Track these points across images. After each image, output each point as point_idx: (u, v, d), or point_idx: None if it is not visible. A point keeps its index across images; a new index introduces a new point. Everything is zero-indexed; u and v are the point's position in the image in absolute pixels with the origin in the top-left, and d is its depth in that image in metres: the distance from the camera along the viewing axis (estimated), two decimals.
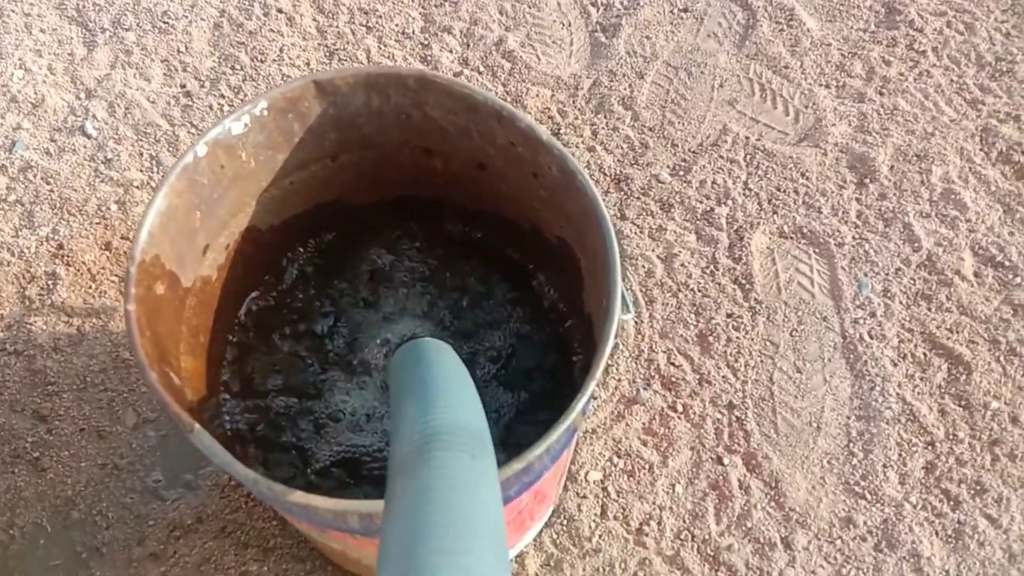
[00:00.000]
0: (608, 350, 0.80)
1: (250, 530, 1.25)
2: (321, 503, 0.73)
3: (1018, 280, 1.46)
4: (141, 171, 1.55)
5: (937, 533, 1.26)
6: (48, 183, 1.54)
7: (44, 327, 1.40)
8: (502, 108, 0.95)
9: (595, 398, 1.35)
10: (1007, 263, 1.47)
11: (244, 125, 0.94)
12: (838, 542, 1.26)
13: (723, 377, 1.38)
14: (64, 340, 1.39)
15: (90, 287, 1.43)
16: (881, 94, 1.67)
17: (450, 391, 0.72)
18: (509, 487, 0.83)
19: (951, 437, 1.33)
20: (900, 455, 1.32)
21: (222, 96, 1.64)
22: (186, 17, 1.75)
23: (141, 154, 1.57)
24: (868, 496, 1.29)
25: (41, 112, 1.62)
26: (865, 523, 1.27)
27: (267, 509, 1.27)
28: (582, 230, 0.92)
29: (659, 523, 1.27)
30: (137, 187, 1.53)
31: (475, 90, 0.96)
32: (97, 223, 1.50)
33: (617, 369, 1.38)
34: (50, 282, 1.44)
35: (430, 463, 0.62)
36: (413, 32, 1.73)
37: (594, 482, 1.30)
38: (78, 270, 1.45)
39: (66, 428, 1.32)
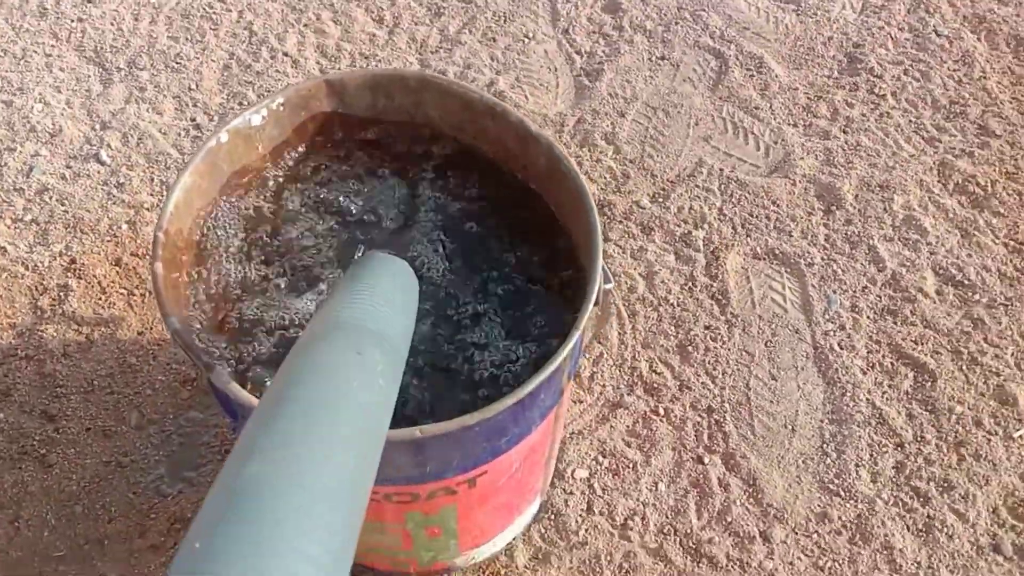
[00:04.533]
0: (592, 300, 0.88)
1: None
2: None
3: (977, 297, 1.55)
4: (151, 195, 1.64)
5: (908, 528, 1.32)
6: (63, 204, 1.62)
7: (55, 335, 1.46)
8: (495, 105, 1.05)
9: (580, 401, 1.42)
10: (966, 281, 1.57)
11: (262, 118, 1.04)
12: (814, 536, 1.31)
13: (702, 383, 1.45)
14: (74, 347, 1.45)
15: (100, 299, 1.50)
16: (845, 132, 1.79)
17: (367, 295, 0.72)
18: (503, 433, 0.90)
19: (919, 439, 1.40)
20: (871, 455, 1.38)
21: None
22: (197, 58, 1.87)
23: (152, 179, 1.67)
24: (842, 493, 1.35)
25: (58, 141, 1.72)
26: (840, 518, 1.33)
27: None
28: (571, 212, 1.01)
29: (643, 518, 1.32)
30: (147, 209, 1.62)
31: (471, 88, 1.06)
32: (108, 241, 1.58)
33: (602, 375, 1.45)
34: (62, 293, 1.51)
35: (308, 351, 0.63)
36: None
37: (580, 479, 1.35)
38: (89, 283, 1.52)
39: (73, 427, 1.37)
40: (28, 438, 1.36)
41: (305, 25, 1.94)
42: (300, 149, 1.09)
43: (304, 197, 1.06)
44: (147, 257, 1.56)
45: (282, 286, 0.98)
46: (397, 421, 0.89)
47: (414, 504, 0.98)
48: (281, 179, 1.07)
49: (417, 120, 1.11)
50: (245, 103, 1.79)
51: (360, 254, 0.99)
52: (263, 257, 1.01)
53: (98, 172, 1.67)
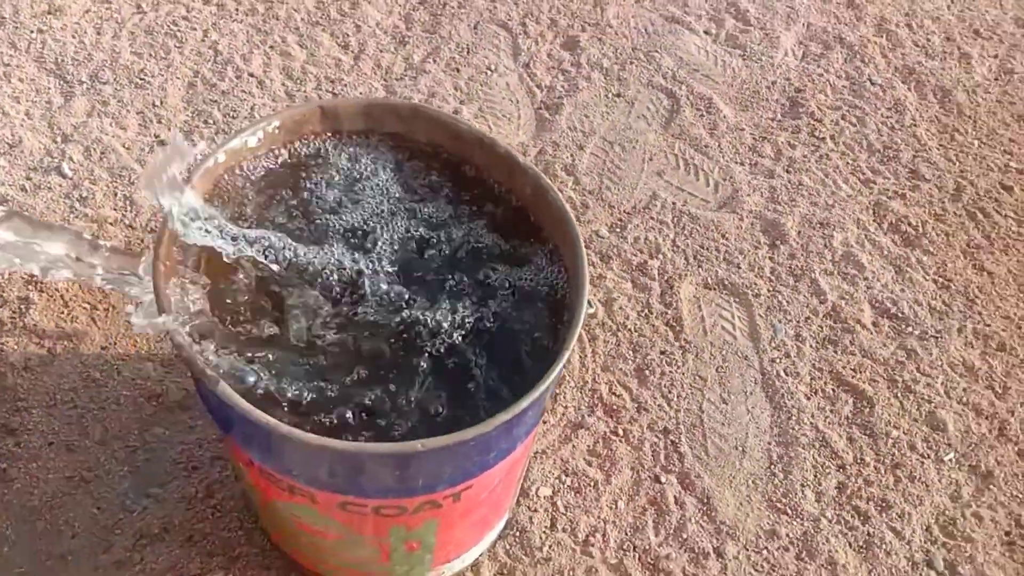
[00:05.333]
0: (579, 325, 0.94)
1: (215, 539, 1.30)
2: (339, 445, 0.83)
3: (910, 329, 1.67)
4: (115, 209, 1.64)
5: (851, 544, 1.41)
6: None
7: (15, 347, 1.45)
8: (483, 136, 1.11)
9: (544, 421, 1.47)
10: (900, 315, 1.69)
11: (258, 139, 1.07)
12: (764, 552, 1.38)
13: (659, 406, 1.52)
14: (35, 360, 1.44)
15: (62, 312, 1.49)
16: (788, 171, 1.91)
17: None
18: (492, 448, 0.94)
19: (859, 461, 1.49)
20: (816, 476, 1.47)
21: (195, 146, 1.75)
22: (162, 75, 1.87)
23: (115, 194, 1.66)
24: (789, 511, 1.43)
25: (17, 152, 1.70)
26: (787, 535, 1.40)
27: (234, 519, 1.32)
28: (558, 239, 1.06)
29: (603, 535, 1.38)
30: (111, 224, 1.61)
31: (460, 120, 1.11)
32: None
33: (564, 397, 1.51)
34: (22, 306, 1.49)
35: None
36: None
37: (544, 497, 1.40)
38: (51, 296, 1.51)
39: (35, 441, 1.36)
40: None
41: (271, 47, 1.96)
42: (290, 163, 1.12)
43: (287, 206, 1.09)
44: None
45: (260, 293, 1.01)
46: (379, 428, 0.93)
47: (400, 517, 1.01)
48: (269, 189, 1.10)
49: (407, 149, 1.15)
50: (211, 122, 1.80)
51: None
52: (243, 270, 1.03)
53: (60, 185, 1.66)
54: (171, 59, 1.90)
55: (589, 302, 1.04)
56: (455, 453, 0.89)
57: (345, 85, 1.91)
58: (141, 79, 1.86)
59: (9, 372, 1.42)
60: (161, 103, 1.82)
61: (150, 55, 1.91)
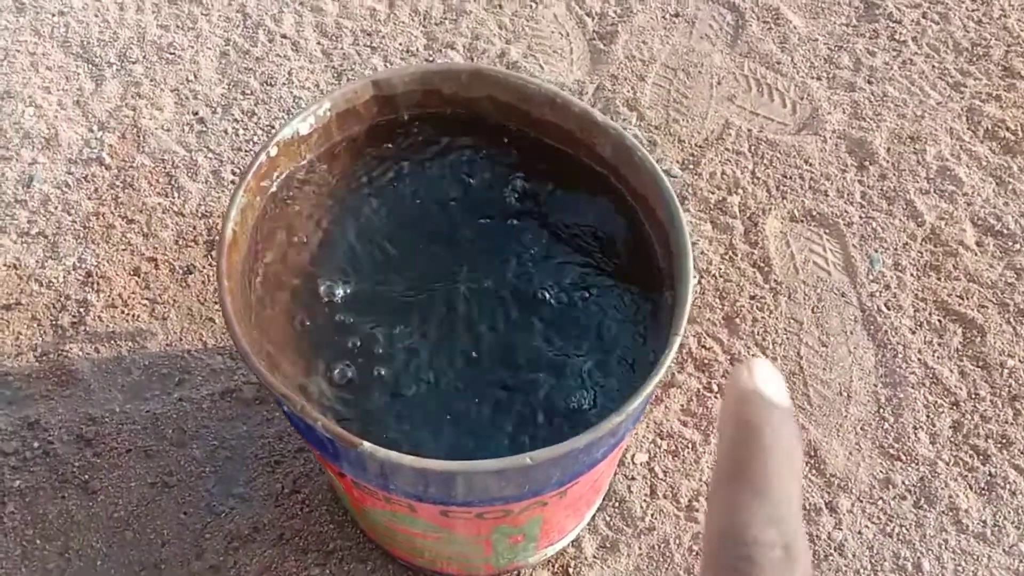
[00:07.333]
0: (688, 305, 0.84)
1: (308, 535, 1.26)
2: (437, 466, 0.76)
3: (1017, 246, 1.53)
4: (162, 196, 1.57)
5: (971, 487, 1.32)
6: (69, 214, 1.55)
7: (80, 353, 1.40)
8: (556, 95, 0.99)
9: None
10: (1005, 231, 1.55)
11: (310, 126, 0.98)
12: (879, 502, 1.30)
13: (753, 355, 1.42)
14: (101, 365, 1.39)
15: (123, 311, 1.44)
16: (870, 83, 1.75)
17: None
18: (602, 446, 0.86)
19: (973, 396, 1.39)
20: (928, 416, 1.37)
21: (236, 120, 1.66)
22: (192, 47, 1.77)
23: (160, 180, 1.59)
24: (903, 457, 1.34)
25: (55, 146, 1.63)
26: (903, 482, 1.32)
27: (324, 513, 1.28)
28: (647, 204, 0.96)
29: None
30: (161, 213, 1.55)
31: (528, 79, 1.00)
32: (123, 249, 1.51)
33: None
34: (81, 309, 1.44)
35: None
36: (417, 49, 1.78)
37: (641, 464, 1.33)
38: (109, 295, 1.45)
39: (112, 450, 1.32)
40: (67, 465, 1.31)
41: (301, 3, 1.85)
42: (347, 154, 1.02)
43: (357, 201, 1.00)
44: (167, 263, 1.49)
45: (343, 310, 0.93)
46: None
47: (504, 519, 0.95)
48: (333, 182, 1.01)
49: (468, 114, 1.05)
50: (248, 92, 1.70)
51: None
52: (309, 276, 0.95)
53: (102, 176, 1.59)
54: (199, 28, 1.80)
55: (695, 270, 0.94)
56: (566, 459, 0.82)
57: (383, 36, 1.79)
58: (171, 53, 1.76)
59: (76, 380, 1.38)
60: (195, 77, 1.73)
61: (177, 27, 1.80)
